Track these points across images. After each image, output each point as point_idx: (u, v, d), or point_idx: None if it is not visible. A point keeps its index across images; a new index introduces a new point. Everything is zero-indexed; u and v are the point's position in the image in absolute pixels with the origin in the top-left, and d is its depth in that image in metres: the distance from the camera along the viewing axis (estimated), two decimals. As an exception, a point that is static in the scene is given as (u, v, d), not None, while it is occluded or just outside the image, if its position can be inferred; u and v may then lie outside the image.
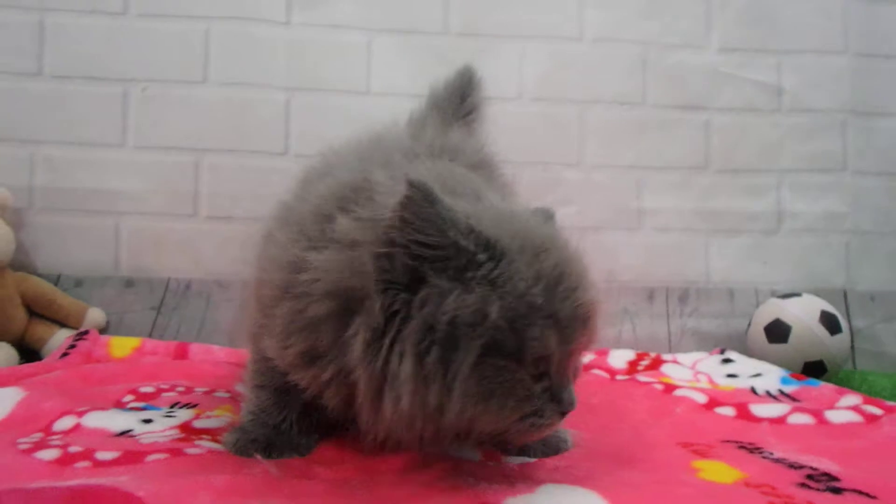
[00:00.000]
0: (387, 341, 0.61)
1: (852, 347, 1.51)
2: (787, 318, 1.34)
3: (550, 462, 0.77)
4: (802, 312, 1.34)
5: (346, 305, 0.63)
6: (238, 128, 1.41)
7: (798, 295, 1.40)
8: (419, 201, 0.59)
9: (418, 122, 1.02)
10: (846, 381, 1.37)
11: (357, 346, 0.62)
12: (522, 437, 0.65)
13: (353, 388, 0.64)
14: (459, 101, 1.09)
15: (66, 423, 0.80)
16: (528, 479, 0.69)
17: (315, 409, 0.76)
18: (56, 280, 1.37)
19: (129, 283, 1.39)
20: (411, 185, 0.59)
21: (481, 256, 0.61)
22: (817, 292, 1.50)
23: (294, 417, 0.77)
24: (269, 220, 0.79)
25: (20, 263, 1.34)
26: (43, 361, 1.12)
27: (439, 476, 0.70)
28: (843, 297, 1.55)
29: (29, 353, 1.29)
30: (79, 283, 1.38)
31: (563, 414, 0.64)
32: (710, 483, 0.70)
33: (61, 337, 1.29)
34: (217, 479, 0.64)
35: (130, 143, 1.40)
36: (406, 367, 0.59)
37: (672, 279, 1.52)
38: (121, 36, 1.40)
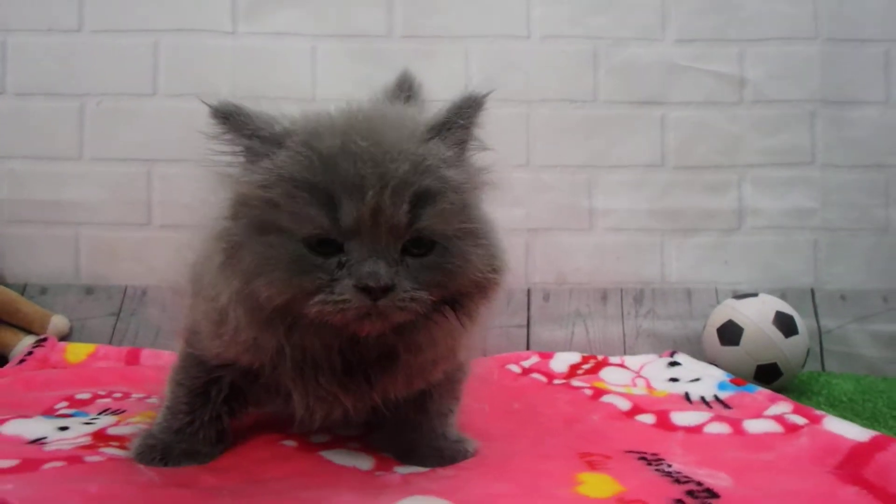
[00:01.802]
0: None
1: (821, 349, 1.54)
2: (739, 320, 1.37)
3: (440, 472, 0.83)
4: (756, 314, 1.36)
5: None
6: (187, 138, 1.50)
7: (754, 295, 1.42)
8: (217, 116, 0.72)
9: None
10: (808, 384, 1.40)
11: None
12: (327, 317, 0.66)
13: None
14: None
15: (-15, 431, 0.93)
16: (396, 491, 0.75)
17: (228, 416, 0.86)
18: (23, 288, 1.53)
19: (89, 290, 1.54)
20: (212, 108, 0.72)
21: (268, 142, 0.69)
22: (783, 292, 1.54)
23: (204, 421, 0.85)
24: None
25: (-11, 273, 1.50)
26: (-2, 368, 1.26)
27: (317, 485, 0.77)
28: (811, 297, 1.57)
29: (-3, 358, 1.45)
30: (44, 290, 1.54)
31: (362, 290, 0.64)
32: (581, 496, 0.75)
33: (27, 343, 1.44)
34: (93, 486, 0.75)
35: (87, 156, 1.54)
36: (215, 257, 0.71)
37: (626, 280, 1.57)
38: (76, 52, 1.54)
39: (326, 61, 1.54)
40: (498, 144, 1.56)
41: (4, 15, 1.53)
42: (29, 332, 1.48)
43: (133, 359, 1.40)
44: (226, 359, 0.81)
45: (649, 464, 0.85)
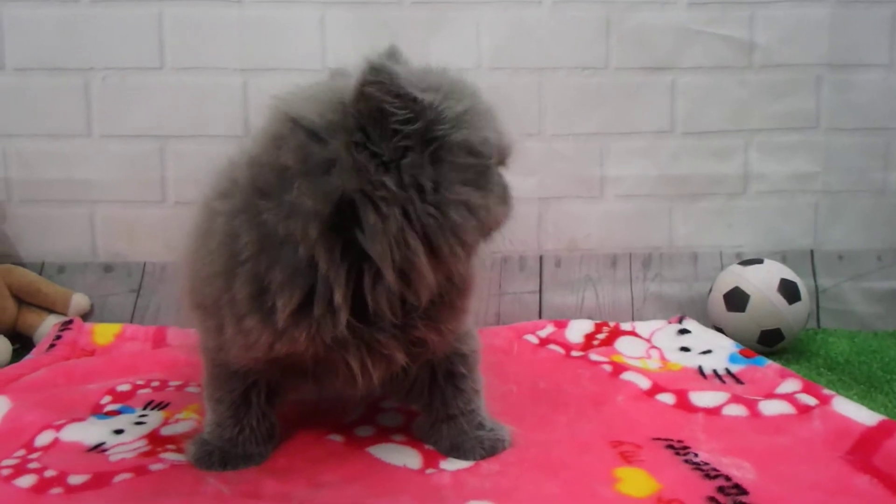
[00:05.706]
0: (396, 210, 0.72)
1: (818, 307, 1.60)
2: (745, 287, 1.40)
3: (485, 467, 0.87)
4: (761, 282, 1.40)
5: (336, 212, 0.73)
6: (198, 113, 1.49)
7: (760, 262, 1.45)
8: (386, 80, 0.69)
9: None
10: (806, 344, 1.46)
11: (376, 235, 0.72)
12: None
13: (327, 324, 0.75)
14: None
15: (45, 438, 0.93)
16: (458, 494, 0.80)
17: (272, 410, 0.90)
18: (40, 268, 1.51)
19: (107, 268, 1.53)
20: (373, 66, 0.68)
21: (436, 103, 0.73)
22: (784, 254, 1.58)
23: (252, 425, 0.89)
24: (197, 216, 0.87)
25: (5, 254, 1.47)
26: (30, 359, 1.26)
27: (375, 492, 0.81)
28: (811, 258, 1.61)
29: (23, 339, 1.45)
30: (61, 269, 1.52)
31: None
32: (622, 496, 0.79)
33: (50, 322, 1.44)
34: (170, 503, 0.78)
35: (96, 133, 1.49)
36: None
37: (635, 245, 1.59)
38: (76, 25, 1.46)
39: (335, 31, 1.48)
40: (511, 113, 1.56)
41: (-5, -15, 1.44)
42: (51, 311, 1.48)
43: (160, 338, 1.41)
44: (271, 358, 0.81)
45: (678, 453, 0.89)
